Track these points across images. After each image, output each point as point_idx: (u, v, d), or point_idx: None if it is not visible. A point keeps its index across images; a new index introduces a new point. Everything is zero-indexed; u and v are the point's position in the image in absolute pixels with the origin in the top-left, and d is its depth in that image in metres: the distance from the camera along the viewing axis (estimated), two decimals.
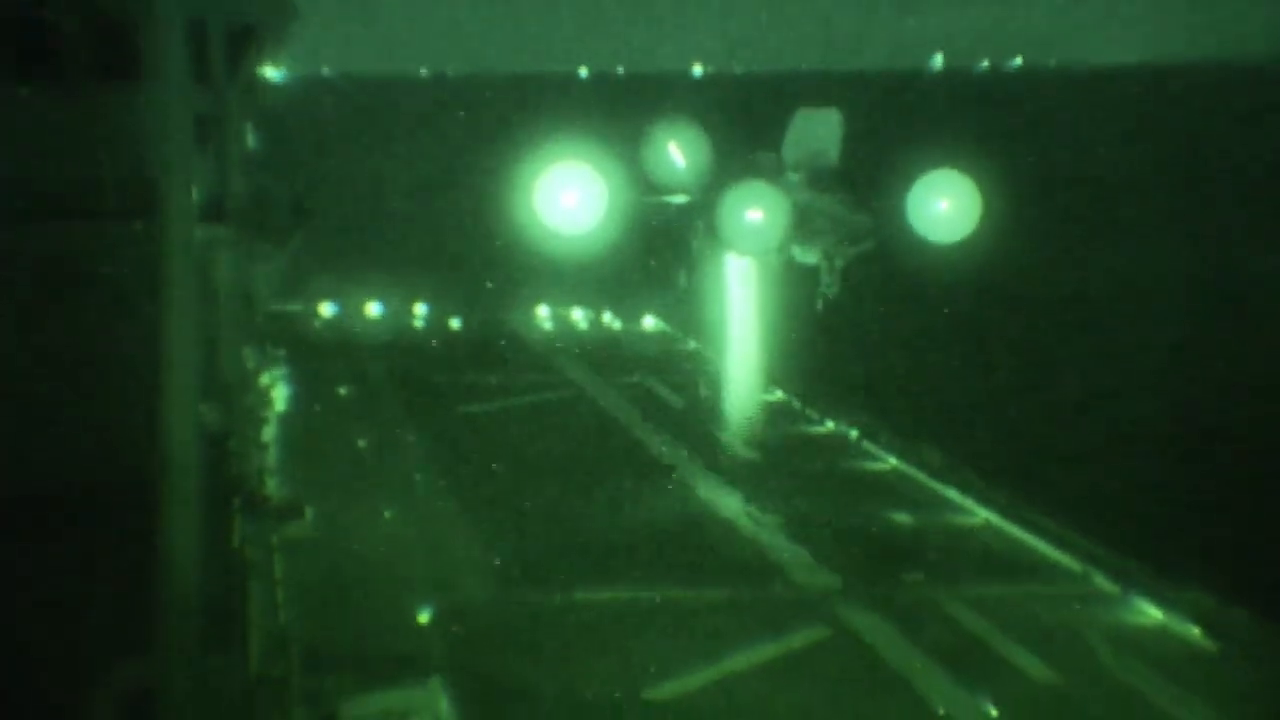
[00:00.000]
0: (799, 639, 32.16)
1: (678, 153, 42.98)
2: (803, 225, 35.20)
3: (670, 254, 39.87)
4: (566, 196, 35.88)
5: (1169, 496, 55.68)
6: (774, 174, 38.07)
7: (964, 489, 44.04)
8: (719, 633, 32.35)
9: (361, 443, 49.53)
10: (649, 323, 77.82)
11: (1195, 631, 33.10)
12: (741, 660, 30.68)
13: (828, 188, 35.86)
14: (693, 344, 73.00)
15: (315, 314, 73.88)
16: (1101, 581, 36.74)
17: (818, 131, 38.85)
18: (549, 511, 40.23)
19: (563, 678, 29.36)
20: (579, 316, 77.32)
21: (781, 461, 46.40)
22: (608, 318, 77.66)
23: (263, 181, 32.84)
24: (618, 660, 30.44)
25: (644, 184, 43.98)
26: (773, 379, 62.52)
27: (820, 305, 34.63)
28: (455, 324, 75.09)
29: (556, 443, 48.96)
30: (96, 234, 26.23)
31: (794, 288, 37.41)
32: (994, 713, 28.21)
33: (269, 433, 43.95)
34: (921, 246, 40.40)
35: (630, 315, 77.33)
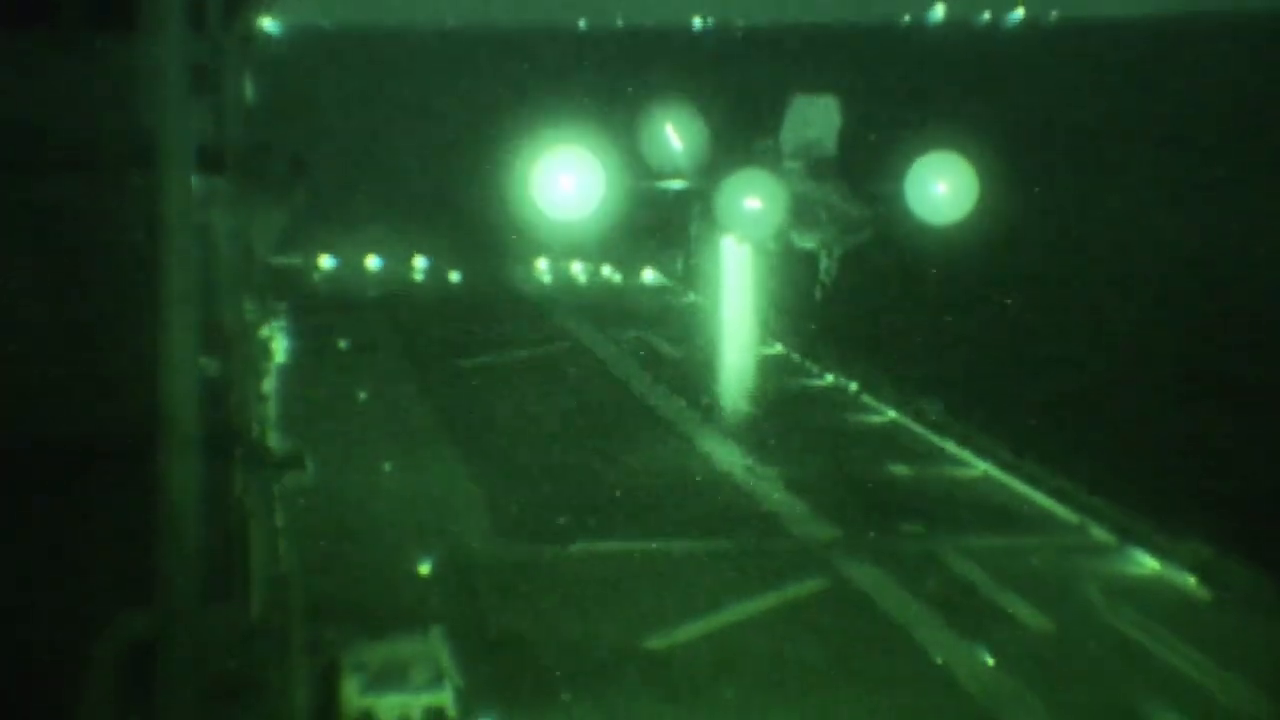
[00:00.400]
0: (798, 590, 32.33)
1: (675, 136, 43.14)
2: (800, 214, 35.37)
3: (668, 238, 39.95)
4: (563, 182, 36.03)
5: (1168, 447, 55.84)
6: (772, 162, 38.23)
7: (962, 441, 44.16)
8: (718, 584, 32.51)
9: (361, 394, 49.61)
10: (649, 276, 77.79)
11: (1191, 581, 33.29)
12: (740, 611, 30.85)
13: (825, 178, 35.96)
14: (692, 297, 73.00)
15: (315, 267, 73.82)
16: (1099, 532, 36.91)
17: (815, 120, 38.95)
18: (548, 464, 40.39)
19: (562, 628, 29.53)
20: (578, 270, 77.25)
21: (781, 414, 46.55)
22: (607, 271, 77.60)
23: (261, 134, 32.72)
24: (617, 610, 30.61)
25: (641, 168, 44.06)
26: (772, 333, 62.73)
27: (819, 294, 34.71)
28: (455, 277, 75.07)
29: (555, 395, 49.10)
30: (94, 185, 26.12)
31: (794, 268, 37.55)
32: (991, 662, 28.39)
33: (269, 384, 43.95)
34: (921, 228, 40.88)
35: (630, 269, 77.31)
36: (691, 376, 48.79)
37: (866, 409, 48.51)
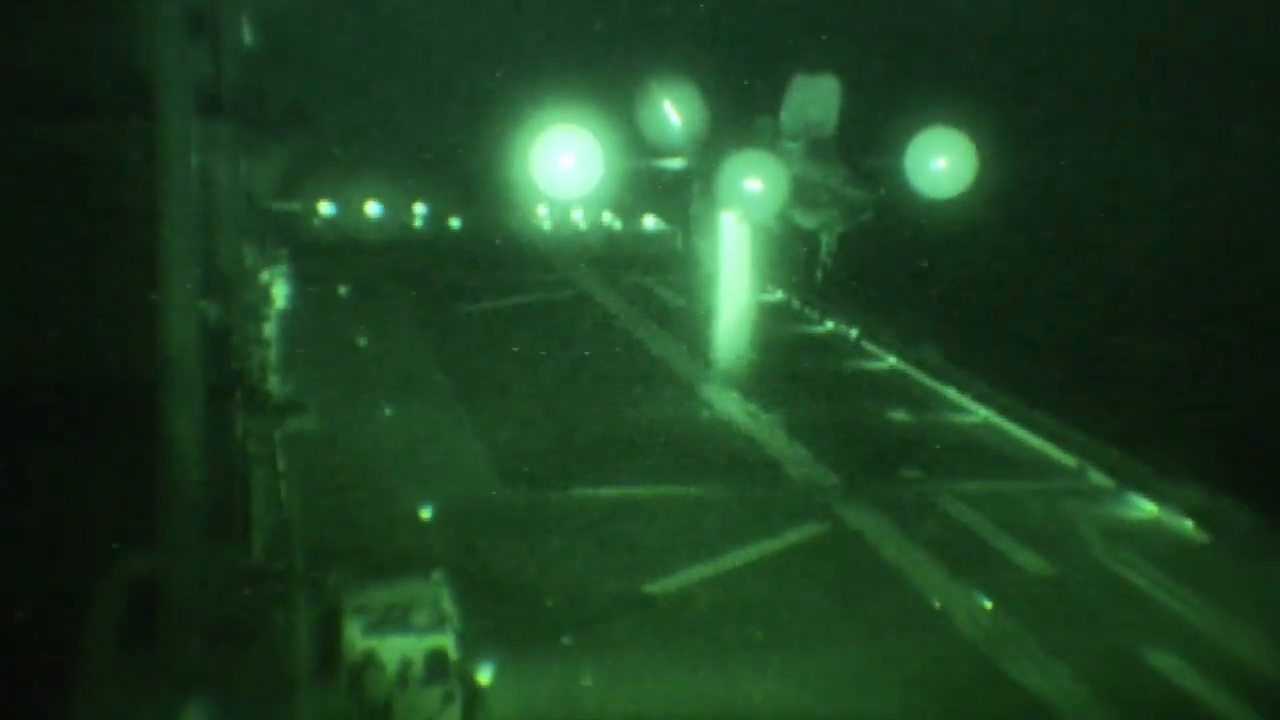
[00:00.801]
0: (797, 535, 32.44)
1: (673, 112, 43.07)
2: (801, 196, 35.37)
3: (668, 216, 39.94)
4: (562, 161, 36.01)
5: (1169, 387, 55.85)
6: (772, 141, 38.20)
7: (962, 387, 44.23)
8: (718, 529, 32.62)
9: (362, 340, 49.63)
10: (649, 223, 77.58)
11: (1188, 525, 33.44)
12: (740, 556, 30.96)
13: (826, 160, 35.88)
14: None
15: (314, 213, 73.63)
16: (1097, 477, 37.08)
17: (815, 100, 38.83)
18: (548, 409, 40.43)
19: (563, 573, 29.65)
20: (578, 217, 77.06)
21: (781, 360, 46.62)
22: (607, 218, 77.42)
23: (261, 78, 32.62)
24: (617, 556, 30.71)
25: (639, 144, 43.97)
26: (772, 280, 62.66)
27: (820, 275, 34.69)
28: (455, 224, 74.91)
29: (556, 342, 49.13)
30: (93, 130, 26.10)
31: (795, 245, 37.53)
32: (989, 605, 28.53)
33: (269, 329, 44.00)
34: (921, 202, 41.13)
35: (630, 216, 77.09)
36: (692, 323, 48.79)
37: (867, 355, 48.60)
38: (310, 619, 23.96)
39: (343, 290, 57.88)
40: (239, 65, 30.95)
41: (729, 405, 41.94)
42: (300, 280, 54.24)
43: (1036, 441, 40.02)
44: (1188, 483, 34.99)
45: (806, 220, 36.46)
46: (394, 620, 22.60)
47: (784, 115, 40.78)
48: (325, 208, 73.79)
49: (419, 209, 76.28)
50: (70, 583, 23.80)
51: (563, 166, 36.91)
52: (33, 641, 23.39)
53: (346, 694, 21.57)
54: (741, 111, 45.29)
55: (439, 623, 22.75)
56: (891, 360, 47.28)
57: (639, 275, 58.73)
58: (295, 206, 70.96)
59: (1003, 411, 42.33)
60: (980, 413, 42.85)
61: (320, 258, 61.57)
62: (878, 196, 34.83)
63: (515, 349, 46.65)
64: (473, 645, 24.30)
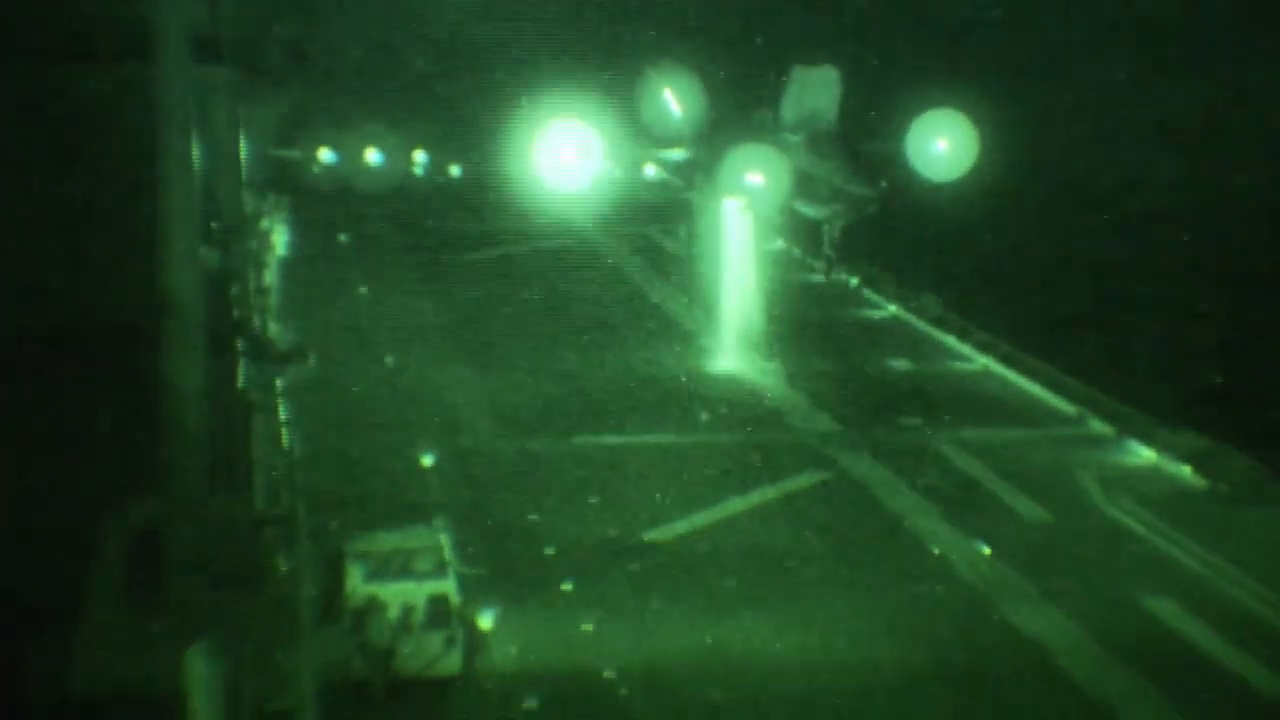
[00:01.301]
0: (797, 483, 32.56)
1: (674, 101, 43.06)
2: (803, 189, 35.30)
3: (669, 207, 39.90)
4: (564, 155, 36.04)
5: (1170, 337, 55.87)
6: (773, 133, 38.21)
7: (962, 336, 44.26)
8: (718, 476, 32.75)
9: (363, 288, 49.60)
10: (649, 171, 77.21)
11: (1186, 470, 33.56)
12: (741, 503, 31.10)
13: (828, 153, 35.76)
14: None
15: (314, 160, 73.33)
16: (1096, 424, 37.19)
17: (816, 91, 38.71)
18: (549, 357, 40.42)
19: (564, 519, 29.79)
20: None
21: (783, 309, 46.55)
22: (608, 165, 77.03)
23: (259, 23, 32.47)
24: (617, 503, 30.84)
25: (641, 132, 43.97)
26: (774, 229, 62.25)
27: (825, 266, 34.58)
28: (455, 172, 74.63)
29: (557, 289, 49.08)
30: (92, 76, 26.00)
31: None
32: (987, 551, 28.68)
33: (270, 277, 43.98)
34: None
35: (630, 163, 76.70)
36: (693, 272, 48.67)
37: (867, 304, 48.56)
38: (313, 565, 24.10)
39: (343, 238, 57.79)
40: (237, 10, 30.79)
41: (730, 353, 41.92)
42: (301, 228, 54.15)
43: (1036, 389, 40.10)
44: (1187, 430, 35.15)
45: (810, 211, 36.41)
46: (396, 566, 22.74)
47: (784, 107, 40.70)
48: (325, 155, 73.44)
49: (419, 156, 75.99)
50: (74, 529, 23.90)
51: (564, 160, 37.10)
52: (38, 586, 23.51)
53: (349, 638, 21.73)
54: (743, 97, 45.36)
55: (441, 569, 22.89)
56: (892, 309, 47.28)
57: (641, 223, 58.52)
58: (295, 154, 70.69)
59: (1003, 359, 42.38)
60: (980, 361, 42.91)
61: (320, 205, 61.36)
62: (880, 192, 34.76)
63: (516, 297, 46.62)
64: (474, 591, 24.50)
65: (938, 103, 37.92)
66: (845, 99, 39.32)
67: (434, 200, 66.76)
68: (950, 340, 43.93)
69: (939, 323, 45.57)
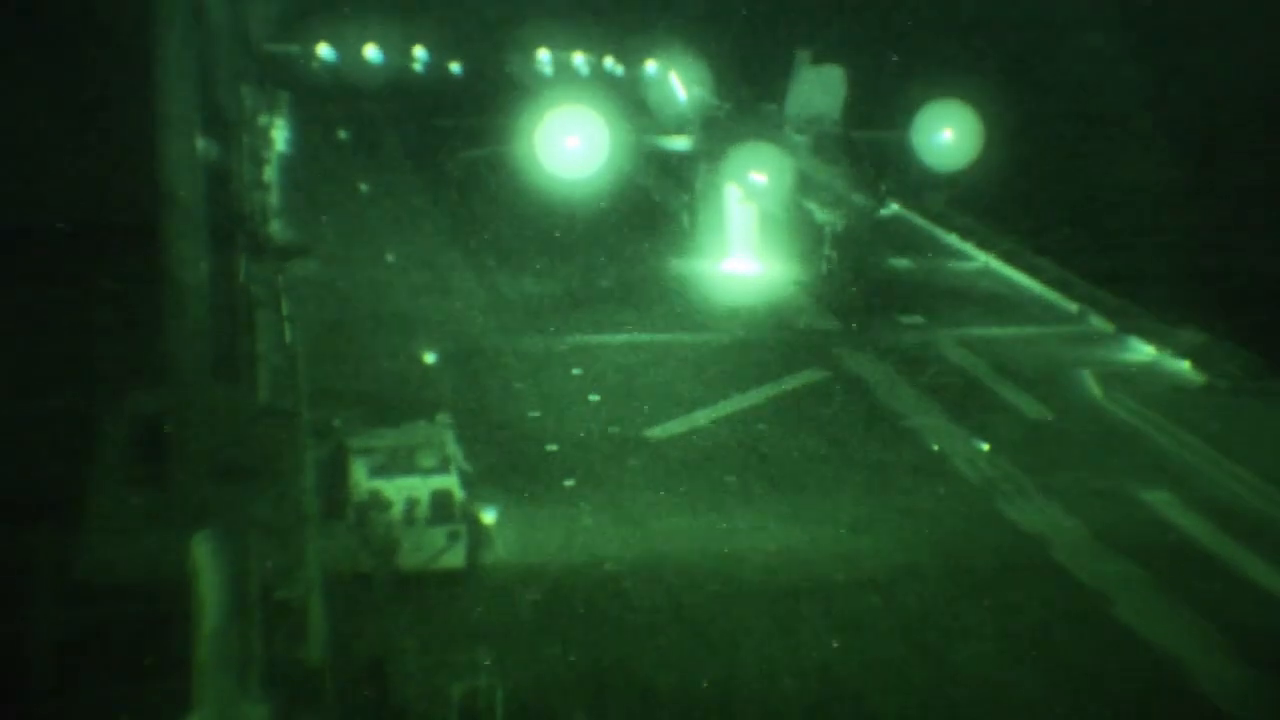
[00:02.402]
0: (797, 381, 32.66)
1: (680, 86, 42.60)
2: (807, 190, 35.13)
3: (674, 192, 39.49)
4: (569, 142, 35.76)
5: (1171, 238, 55.78)
6: (777, 128, 37.90)
7: (964, 234, 44.16)
8: (720, 375, 32.84)
9: (363, 186, 49.39)
10: (650, 68, 76.61)
11: (1185, 366, 33.69)
12: (742, 401, 31.21)
13: (833, 158, 35.45)
14: (698, 90, 71.90)
15: (313, 56, 72.70)
16: (1097, 321, 37.25)
17: (821, 90, 38.35)
18: (551, 257, 40.32)
19: (567, 416, 29.93)
20: (580, 62, 76.06)
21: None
22: (609, 64, 76.42)
23: None
24: (619, 401, 30.95)
25: (645, 117, 43.58)
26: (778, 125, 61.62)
27: (824, 269, 34.43)
28: (455, 68, 74.04)
29: (558, 189, 48.80)
30: None
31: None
32: (986, 448, 28.85)
33: (270, 173, 43.77)
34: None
35: (634, 59, 76.11)
36: (696, 171, 48.39)
37: None
38: (317, 459, 24.24)
39: (343, 134, 57.49)
40: None
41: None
42: (300, 124, 53.82)
43: (1038, 287, 40.10)
44: (1186, 325, 35.21)
45: (813, 210, 36.35)
46: (400, 462, 22.88)
47: (789, 103, 40.37)
48: (324, 51, 72.93)
49: (419, 53, 75.38)
50: (78, 419, 23.99)
51: (569, 147, 36.96)
52: (41, 474, 23.65)
53: (353, 532, 21.92)
54: (748, 86, 44.85)
55: (444, 464, 23.02)
56: (894, 206, 47.09)
57: (643, 118, 58.06)
58: (294, 49, 70.17)
59: (1004, 257, 42.34)
60: (981, 258, 42.87)
61: (319, 102, 61.04)
62: (882, 200, 34.63)
63: (515, 196, 46.36)
64: (477, 487, 24.68)
65: (945, 93, 38.05)
66: (851, 93, 39.32)
67: (434, 97, 66.40)
68: (952, 238, 43.89)
69: (940, 219, 45.48)
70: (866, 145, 38.72)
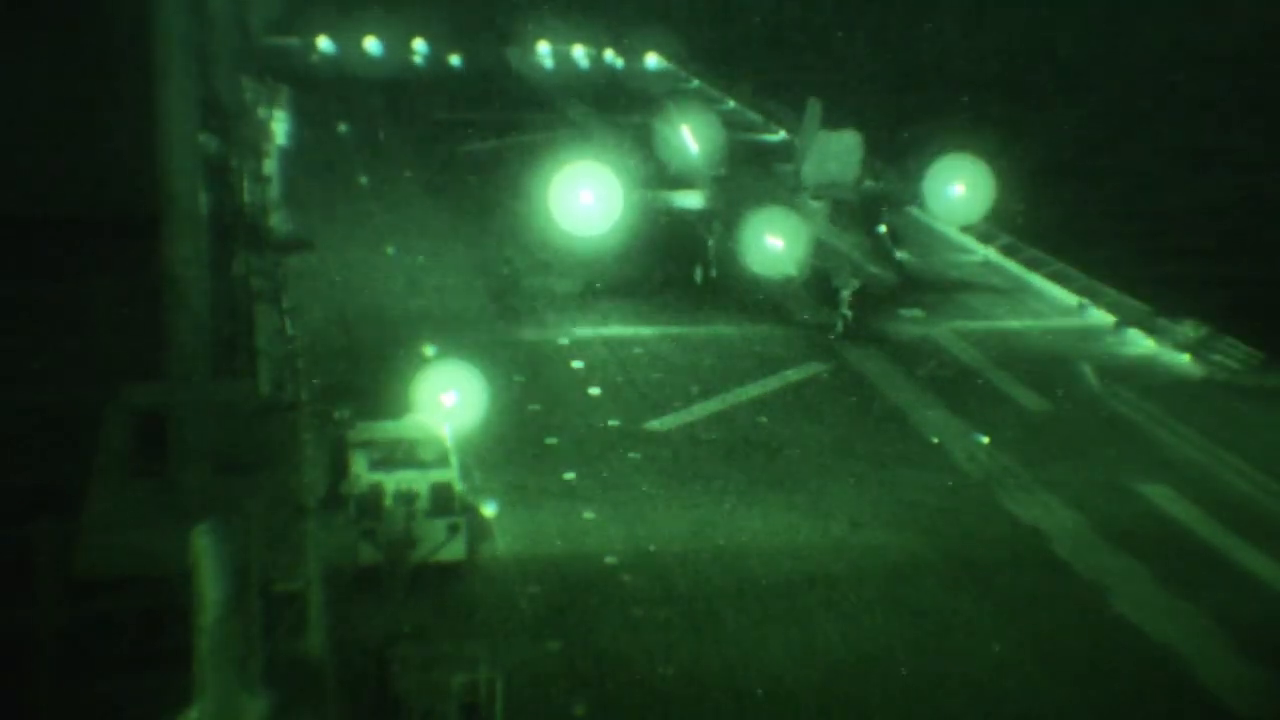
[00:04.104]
0: (799, 374, 32.68)
1: (692, 140, 42.67)
2: (823, 257, 35.31)
3: (687, 250, 39.68)
4: (583, 198, 35.91)
5: (1169, 222, 55.88)
6: (793, 191, 38.02)
7: (963, 226, 44.08)
8: (721, 367, 32.88)
9: (363, 179, 49.37)
10: (651, 62, 76.63)
11: (1185, 359, 33.72)
12: (742, 394, 31.23)
13: (850, 226, 35.59)
14: (696, 83, 71.90)
15: (313, 48, 72.65)
16: (1097, 315, 37.25)
17: (837, 156, 38.40)
18: (551, 250, 40.18)
19: (566, 410, 29.94)
20: (580, 55, 76.06)
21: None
22: (609, 56, 76.40)
23: None
24: (620, 394, 30.98)
25: (657, 171, 43.63)
26: (773, 118, 61.95)
27: (840, 327, 34.59)
28: (455, 61, 74.02)
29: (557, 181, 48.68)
30: None
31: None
32: (985, 440, 28.87)
33: (270, 166, 43.71)
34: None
35: (632, 53, 76.14)
36: (695, 164, 48.33)
37: None
38: (317, 452, 24.25)
39: (342, 128, 57.44)
40: None
41: (727, 237, 41.55)
42: (300, 117, 53.76)
43: (1037, 280, 40.10)
44: (1186, 318, 35.20)
45: (829, 273, 36.55)
46: (400, 455, 22.88)
47: (805, 167, 40.44)
48: (324, 43, 72.87)
49: (419, 46, 75.33)
50: (79, 412, 23.97)
51: (583, 202, 37.07)
52: (42, 468, 23.65)
53: (353, 525, 21.93)
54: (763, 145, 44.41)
55: (444, 458, 23.03)
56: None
57: (642, 113, 58.05)
58: (293, 42, 70.08)
59: (1004, 250, 42.33)
60: (981, 252, 42.85)
61: (319, 94, 60.99)
62: (899, 274, 34.79)
63: (516, 188, 46.32)
64: (477, 480, 24.68)
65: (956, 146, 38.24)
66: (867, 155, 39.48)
67: (434, 90, 66.37)
68: (951, 231, 43.83)
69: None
70: (882, 209, 39.00)
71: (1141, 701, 20.17)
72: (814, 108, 40.93)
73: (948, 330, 35.96)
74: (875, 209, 38.44)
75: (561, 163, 37.83)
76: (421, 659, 17.87)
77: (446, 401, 25.63)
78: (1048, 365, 33.45)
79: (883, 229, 36.31)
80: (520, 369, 32.03)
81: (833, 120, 41.02)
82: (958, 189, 38.39)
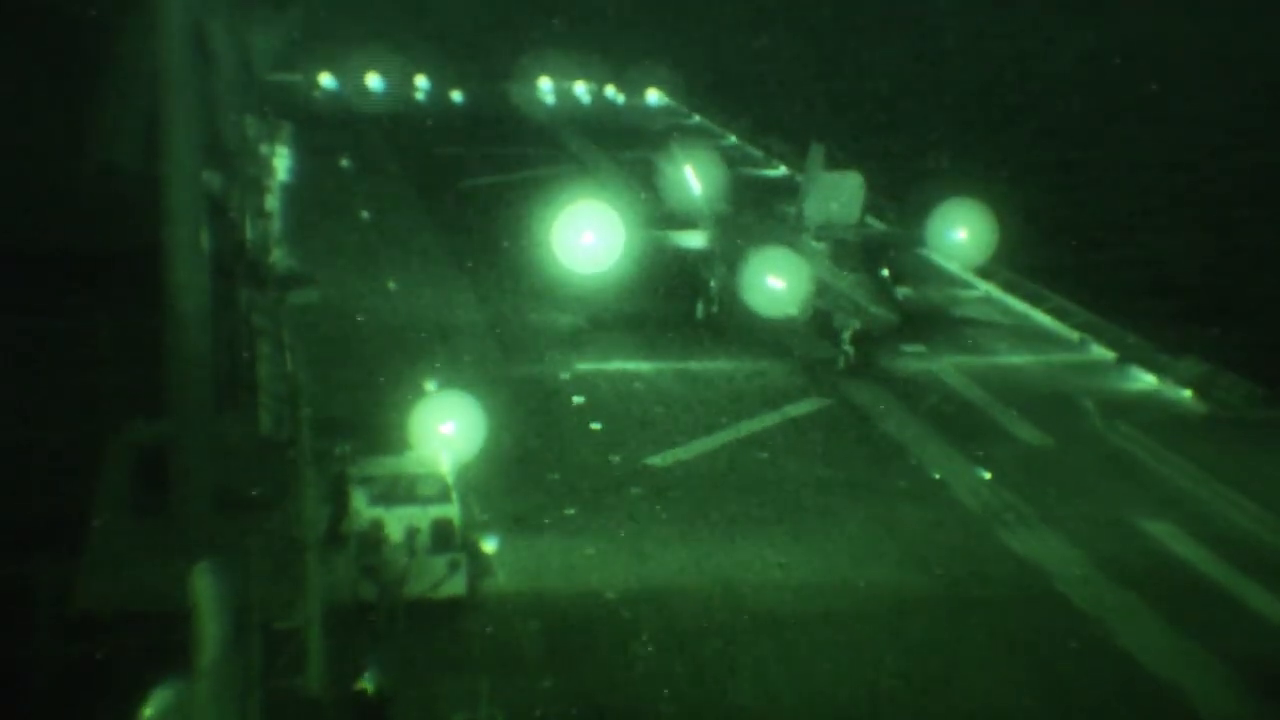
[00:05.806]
0: (799, 409, 32.66)
1: (695, 179, 43.00)
2: (824, 297, 35.51)
3: (689, 287, 39.99)
4: (585, 237, 36.25)
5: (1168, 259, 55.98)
6: (795, 232, 38.34)
7: (965, 262, 44.07)
8: (721, 402, 32.85)
9: (365, 214, 49.44)
10: (652, 98, 76.91)
11: (1186, 395, 33.68)
12: (743, 429, 31.21)
13: (852, 267, 35.80)
14: (697, 118, 72.08)
15: (315, 85, 72.90)
16: (1098, 350, 37.24)
17: (839, 197, 38.71)
18: (551, 285, 40.20)
19: (567, 444, 29.92)
20: (581, 91, 76.33)
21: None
22: (610, 93, 76.69)
23: None
24: (620, 429, 30.94)
25: (659, 212, 43.85)
26: (774, 154, 62.10)
27: (842, 363, 34.80)
28: (457, 97, 74.30)
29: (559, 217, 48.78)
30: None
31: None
32: (988, 476, 28.82)
33: (272, 201, 43.75)
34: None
35: (633, 90, 76.41)
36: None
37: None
38: (318, 488, 24.17)
39: (345, 163, 57.56)
40: None
41: (730, 277, 41.66)
42: (302, 153, 53.89)
43: (1038, 315, 40.11)
44: (1187, 355, 35.17)
45: (831, 317, 36.76)
46: (400, 491, 22.86)
47: (807, 207, 40.68)
48: (326, 80, 73.15)
49: (421, 82, 75.65)
50: (80, 448, 23.93)
51: (585, 241, 37.36)
52: (43, 504, 23.58)
53: (354, 561, 21.87)
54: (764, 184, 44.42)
55: (445, 493, 23.00)
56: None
57: (642, 149, 58.20)
58: (296, 78, 70.34)
59: (1005, 286, 42.36)
60: (982, 287, 42.90)
61: (322, 130, 61.12)
62: (901, 316, 35.02)
63: (518, 224, 46.40)
64: (478, 516, 24.61)
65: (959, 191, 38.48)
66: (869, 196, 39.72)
67: (436, 126, 66.55)
68: (953, 267, 43.87)
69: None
70: (884, 249, 39.12)
71: None
72: (816, 150, 41.09)
73: (949, 365, 35.97)
74: (879, 252, 38.55)
75: (564, 201, 37.96)
76: (421, 695, 17.80)
77: (447, 436, 25.58)
78: (1049, 400, 33.44)
79: (885, 272, 36.48)
80: (522, 404, 31.97)
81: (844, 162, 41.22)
82: (960, 234, 38.54)
